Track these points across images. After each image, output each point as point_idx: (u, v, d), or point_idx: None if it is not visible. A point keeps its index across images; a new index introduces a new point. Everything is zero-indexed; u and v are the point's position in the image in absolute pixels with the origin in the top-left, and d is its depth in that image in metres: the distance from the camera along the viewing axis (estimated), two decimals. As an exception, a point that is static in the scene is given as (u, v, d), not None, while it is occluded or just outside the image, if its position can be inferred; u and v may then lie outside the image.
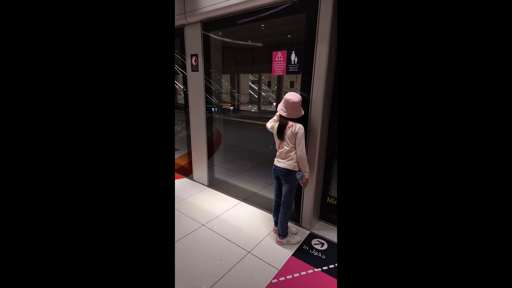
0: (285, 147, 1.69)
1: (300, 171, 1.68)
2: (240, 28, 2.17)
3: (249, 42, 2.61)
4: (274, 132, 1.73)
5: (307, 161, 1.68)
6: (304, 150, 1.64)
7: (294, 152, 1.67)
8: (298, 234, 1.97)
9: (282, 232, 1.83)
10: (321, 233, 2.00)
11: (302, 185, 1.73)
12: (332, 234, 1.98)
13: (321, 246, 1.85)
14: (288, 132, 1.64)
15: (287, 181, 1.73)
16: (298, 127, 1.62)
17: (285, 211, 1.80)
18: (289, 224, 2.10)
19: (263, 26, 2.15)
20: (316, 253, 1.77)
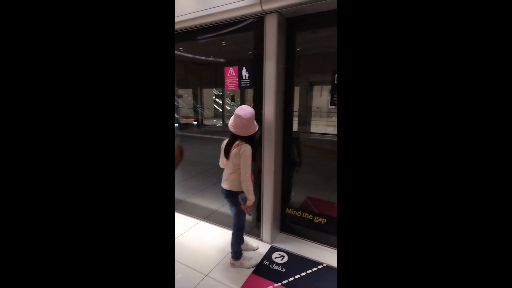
0: (228, 168, 1.56)
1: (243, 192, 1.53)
2: (200, 43, 2.15)
3: (211, 58, 2.61)
4: (222, 149, 1.60)
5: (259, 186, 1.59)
6: (249, 173, 1.48)
7: (235, 174, 1.53)
8: (258, 251, 1.91)
9: (234, 256, 1.74)
10: (282, 245, 1.99)
11: (244, 210, 1.58)
12: (292, 246, 1.98)
13: (282, 259, 1.83)
14: (233, 151, 1.49)
15: (232, 203, 1.62)
16: (243, 149, 1.45)
17: (235, 234, 1.70)
18: (250, 239, 2.05)
19: (223, 42, 2.16)
20: (276, 267, 1.74)
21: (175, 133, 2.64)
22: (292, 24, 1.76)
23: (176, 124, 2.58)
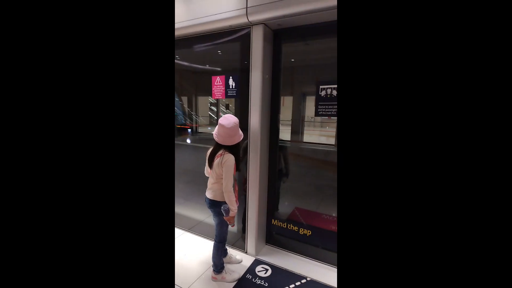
0: (211, 178, 1.55)
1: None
2: (192, 52, 2.16)
3: (207, 66, 2.61)
4: (206, 157, 1.58)
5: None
6: (230, 184, 1.45)
7: (218, 184, 1.51)
8: (241, 264, 1.86)
9: (215, 269, 1.68)
10: (266, 258, 1.94)
11: (226, 221, 1.54)
12: (277, 258, 1.93)
13: (265, 273, 1.77)
14: (216, 161, 1.47)
15: (214, 213, 1.58)
16: (226, 159, 1.43)
17: (216, 246, 1.65)
18: (234, 252, 2.00)
19: (214, 52, 2.16)
20: (259, 281, 1.68)
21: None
22: (278, 35, 1.79)
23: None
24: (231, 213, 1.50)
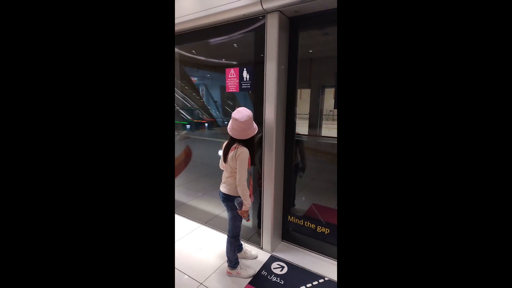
0: (226, 171, 1.54)
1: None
2: (204, 44, 2.12)
3: (223, 60, 2.57)
4: (221, 151, 1.58)
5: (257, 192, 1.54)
6: (244, 177, 1.43)
7: (232, 178, 1.49)
8: (257, 259, 1.84)
9: (230, 264, 1.66)
10: (282, 255, 1.90)
11: (240, 215, 1.53)
12: (293, 256, 1.88)
13: (281, 270, 1.74)
14: (230, 154, 1.45)
15: (228, 207, 1.57)
16: (240, 152, 1.41)
17: (229, 241, 1.63)
18: (250, 247, 1.98)
19: (227, 43, 2.11)
20: (274, 279, 1.65)
21: (186, 135, 2.64)
22: (295, 23, 1.68)
23: (188, 126, 2.58)
24: (244, 208, 1.47)
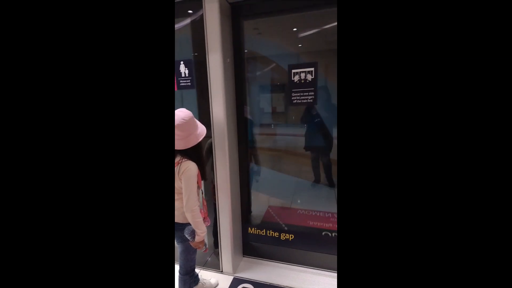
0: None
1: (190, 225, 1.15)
2: None
3: None
4: None
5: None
6: (194, 200, 1.09)
7: (179, 201, 1.13)
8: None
9: None
10: (246, 274, 1.67)
11: (194, 246, 1.19)
12: (259, 272, 1.68)
13: (248, 294, 1.51)
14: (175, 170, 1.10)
15: (177, 238, 1.21)
16: (184, 168, 1.08)
17: (181, 280, 1.28)
18: (208, 274, 1.68)
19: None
20: (242, 307, 1.41)
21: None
22: (237, 11, 1.49)
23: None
24: (198, 238, 1.14)
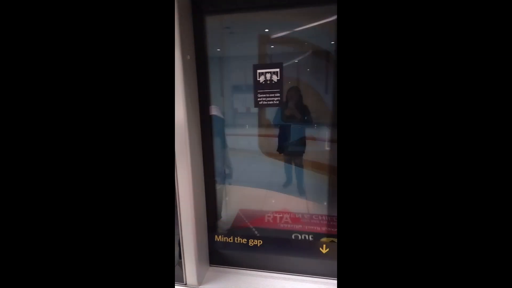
0: None
1: None
2: None
3: None
4: None
5: None
6: None
7: None
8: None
9: None
10: (213, 286, 1.57)
11: None
12: (226, 283, 1.60)
13: (213, 307, 1.41)
14: None
15: None
16: None
17: None
18: (170, 288, 1.54)
19: None
20: (206, 322, 1.31)
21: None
22: (197, 5, 1.40)
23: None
24: None
